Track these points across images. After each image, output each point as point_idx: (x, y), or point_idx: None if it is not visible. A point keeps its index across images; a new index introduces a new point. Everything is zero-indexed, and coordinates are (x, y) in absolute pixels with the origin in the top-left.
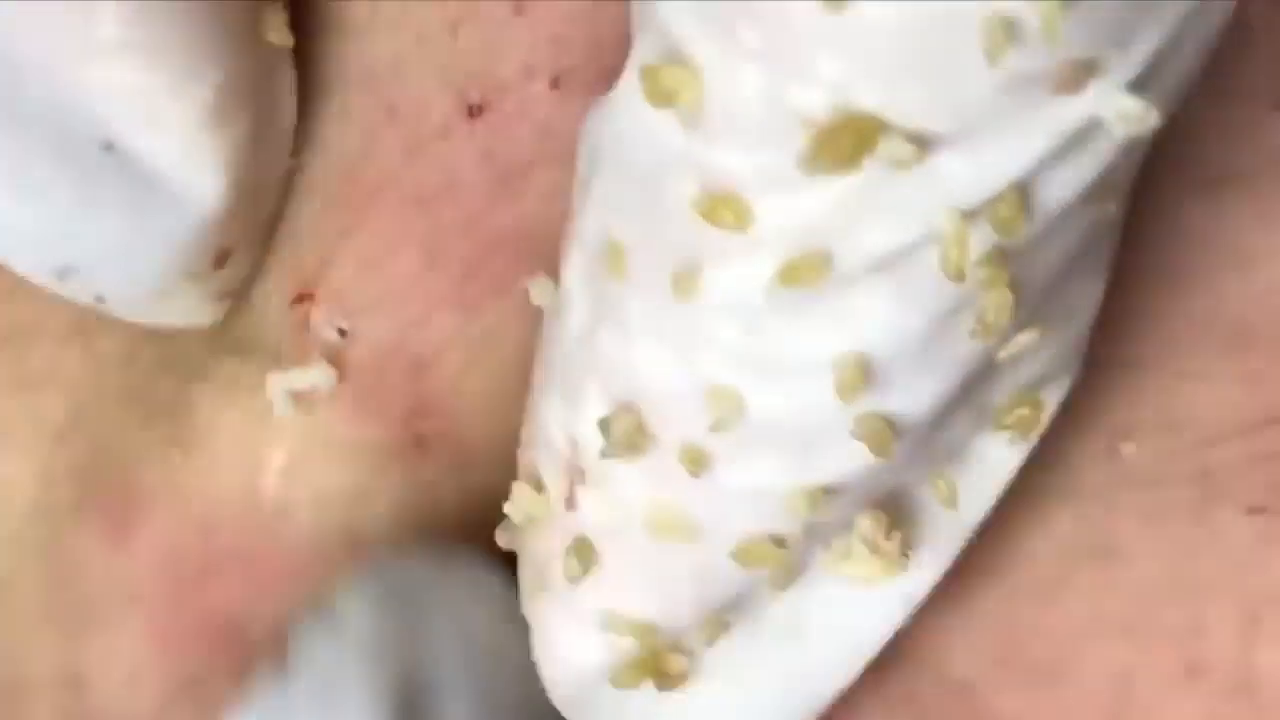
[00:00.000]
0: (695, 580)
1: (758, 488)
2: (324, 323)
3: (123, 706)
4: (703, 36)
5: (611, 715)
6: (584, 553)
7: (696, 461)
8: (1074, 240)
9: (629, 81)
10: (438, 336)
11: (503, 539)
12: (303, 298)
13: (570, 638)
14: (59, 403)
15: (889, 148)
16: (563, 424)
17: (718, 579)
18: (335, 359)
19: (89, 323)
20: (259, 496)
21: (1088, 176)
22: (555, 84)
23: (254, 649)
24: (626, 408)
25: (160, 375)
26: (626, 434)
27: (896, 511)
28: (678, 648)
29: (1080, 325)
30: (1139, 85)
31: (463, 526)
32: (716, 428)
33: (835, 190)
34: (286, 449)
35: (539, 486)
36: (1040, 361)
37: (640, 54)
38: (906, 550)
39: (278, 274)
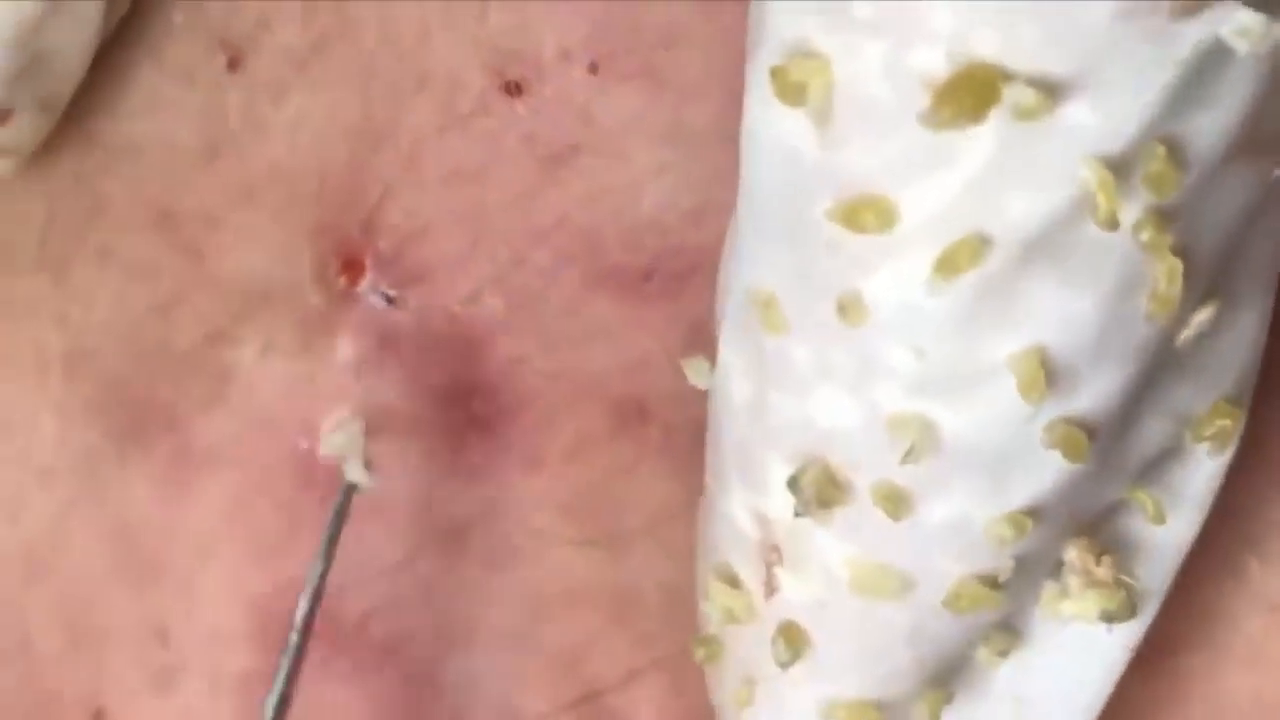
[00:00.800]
0: (912, 641)
1: (961, 520)
2: (370, 289)
3: (207, 658)
4: (820, 27)
5: None
6: (792, 636)
7: (895, 501)
8: (1241, 200)
9: (756, 97)
10: (489, 318)
11: (700, 653)
12: (350, 265)
13: None
14: (57, 337)
15: (1014, 95)
16: (748, 506)
17: (935, 635)
18: (385, 330)
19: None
20: (311, 460)
21: (1233, 121)
22: (594, 69)
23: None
24: (813, 462)
25: (194, 333)
26: (818, 488)
27: (1104, 538)
28: None
29: (1264, 306)
30: (1258, 2)
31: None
32: (910, 458)
33: (972, 162)
34: (335, 417)
35: (734, 583)
36: (1226, 356)
37: (761, 64)
38: (1120, 575)
39: (318, 236)
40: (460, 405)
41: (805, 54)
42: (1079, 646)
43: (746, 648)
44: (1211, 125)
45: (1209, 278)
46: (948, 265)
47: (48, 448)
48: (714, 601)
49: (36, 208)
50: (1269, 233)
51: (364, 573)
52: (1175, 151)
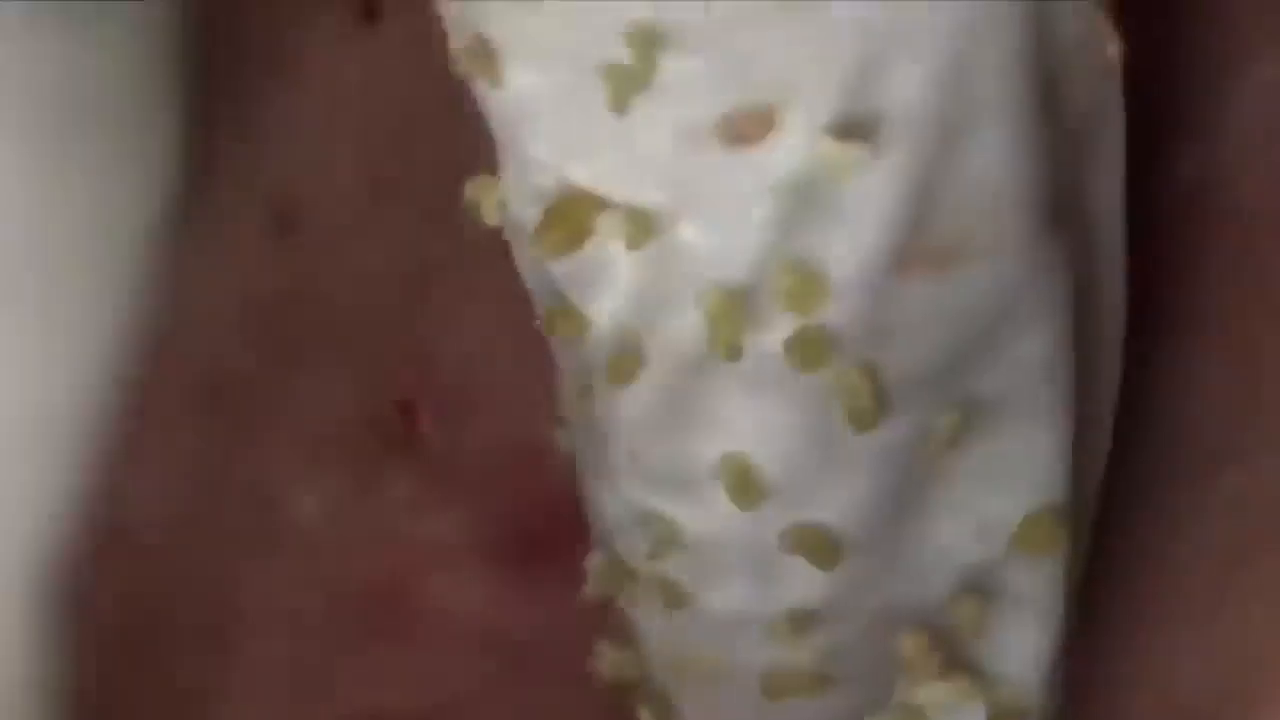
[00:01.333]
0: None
1: (740, 616)
2: (429, 429)
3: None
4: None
5: None
6: (661, 705)
7: (669, 593)
8: (952, 310)
9: None
10: (547, 438)
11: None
12: (406, 407)
13: None
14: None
15: (615, 223)
16: None
17: (786, 711)
18: (444, 464)
19: None
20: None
21: (877, 235)
22: None
23: None
24: (605, 548)
25: (245, 500)
26: (608, 573)
27: (952, 633)
28: None
29: (1058, 413)
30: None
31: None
32: (653, 555)
33: (622, 284)
34: (402, 560)
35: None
36: (1021, 466)
37: None
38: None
39: (372, 381)
40: (523, 528)
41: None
42: None
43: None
44: (850, 241)
45: (935, 390)
46: (617, 375)
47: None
48: (609, 662)
49: None
50: (1034, 339)
51: (423, 703)
52: (810, 270)
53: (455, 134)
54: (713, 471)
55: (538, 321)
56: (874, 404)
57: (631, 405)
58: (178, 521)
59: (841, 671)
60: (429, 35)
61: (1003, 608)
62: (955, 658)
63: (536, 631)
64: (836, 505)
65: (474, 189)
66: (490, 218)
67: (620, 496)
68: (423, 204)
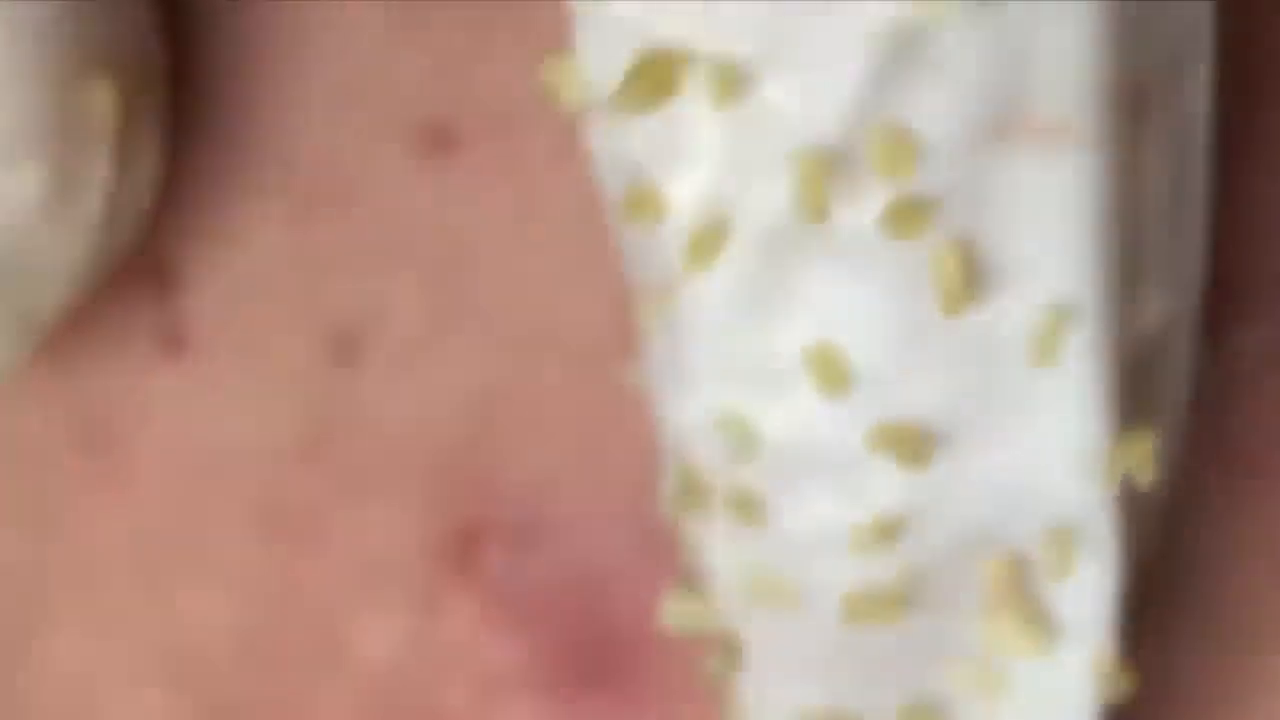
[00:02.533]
0: (847, 653)
1: (821, 531)
2: (491, 559)
3: None
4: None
5: None
6: (730, 646)
7: (746, 508)
8: (1057, 187)
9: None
10: (618, 560)
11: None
12: (469, 537)
13: None
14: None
15: (703, 80)
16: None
17: (871, 648)
18: (505, 594)
19: None
20: None
21: (969, 99)
22: None
23: None
24: (679, 464)
25: (304, 635)
26: (681, 491)
27: (1035, 562)
28: None
29: (1188, 317)
30: None
31: None
32: (735, 459)
33: (709, 152)
34: (460, 689)
35: (693, 588)
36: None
37: None
38: (1042, 605)
39: (434, 513)
40: (581, 660)
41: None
42: (1053, 697)
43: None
44: (949, 101)
45: (1031, 280)
46: (699, 256)
47: None
48: (672, 613)
49: (121, 523)
50: (1176, 230)
51: None
52: (905, 131)
53: (520, 261)
54: (798, 361)
55: (611, 218)
56: (967, 285)
57: (713, 294)
58: (241, 647)
59: (922, 596)
60: (498, 164)
61: (1086, 546)
62: (1032, 597)
63: None
64: (925, 398)
65: (552, 71)
66: (570, 96)
67: (698, 402)
68: (486, 332)
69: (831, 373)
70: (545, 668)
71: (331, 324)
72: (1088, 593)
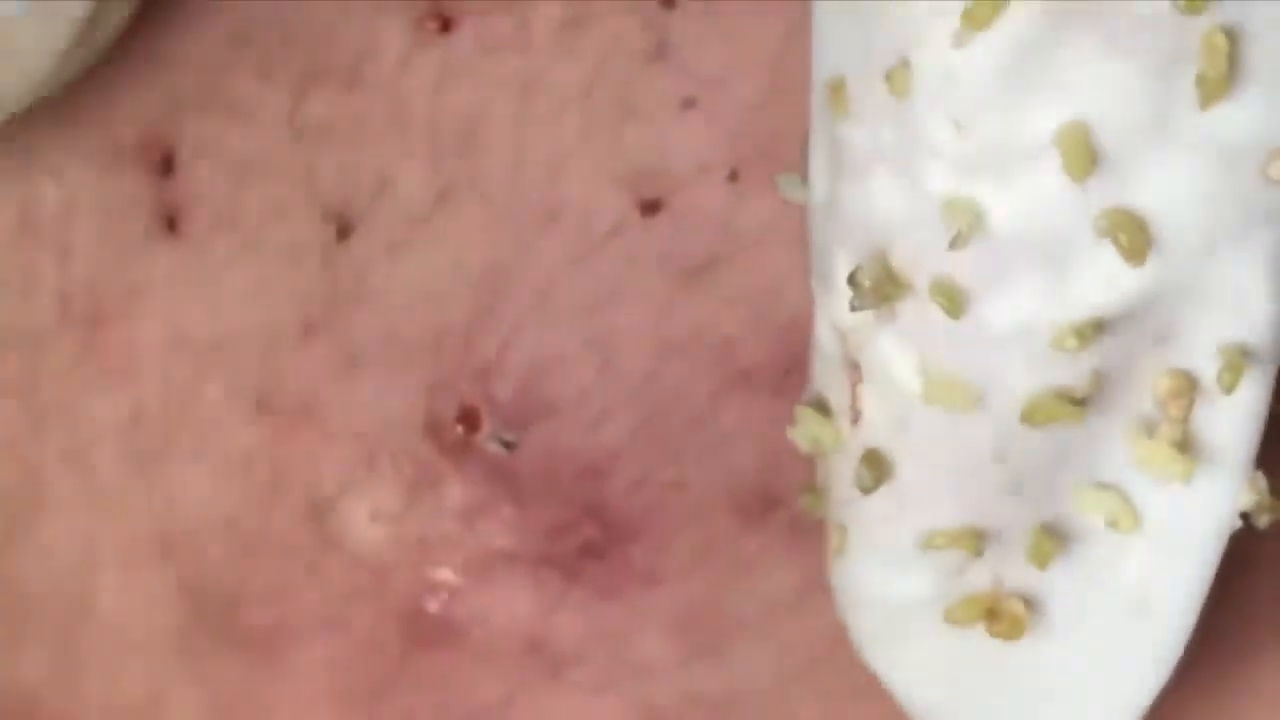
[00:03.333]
0: (999, 459)
1: (1022, 325)
2: (488, 437)
3: None
4: None
5: (934, 660)
6: (875, 461)
7: (952, 297)
8: None
9: None
10: (612, 442)
11: (806, 502)
12: (466, 416)
13: (885, 575)
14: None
15: None
16: (827, 316)
17: (1024, 454)
18: (500, 471)
19: None
20: (419, 613)
21: None
22: (734, 177)
23: None
24: (874, 255)
25: (297, 510)
26: (876, 282)
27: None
28: (1013, 583)
29: None
30: None
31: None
32: (958, 243)
33: None
34: (451, 567)
35: (824, 410)
36: None
37: None
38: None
39: (432, 391)
40: (576, 537)
41: None
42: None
43: (838, 488)
44: None
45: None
46: (973, 18)
47: (139, 628)
48: (801, 431)
49: (115, 402)
50: None
51: (461, 709)
52: None
53: (522, 143)
54: (1047, 142)
55: None
56: (1226, 76)
57: (976, 65)
58: (229, 527)
59: (1103, 397)
60: (498, 45)
61: (1254, 369)
62: (1190, 419)
63: (579, 640)
64: (1157, 191)
65: None
66: None
67: (921, 188)
68: (488, 209)
69: (1079, 152)
70: (532, 548)
71: (331, 202)
72: (1240, 415)
